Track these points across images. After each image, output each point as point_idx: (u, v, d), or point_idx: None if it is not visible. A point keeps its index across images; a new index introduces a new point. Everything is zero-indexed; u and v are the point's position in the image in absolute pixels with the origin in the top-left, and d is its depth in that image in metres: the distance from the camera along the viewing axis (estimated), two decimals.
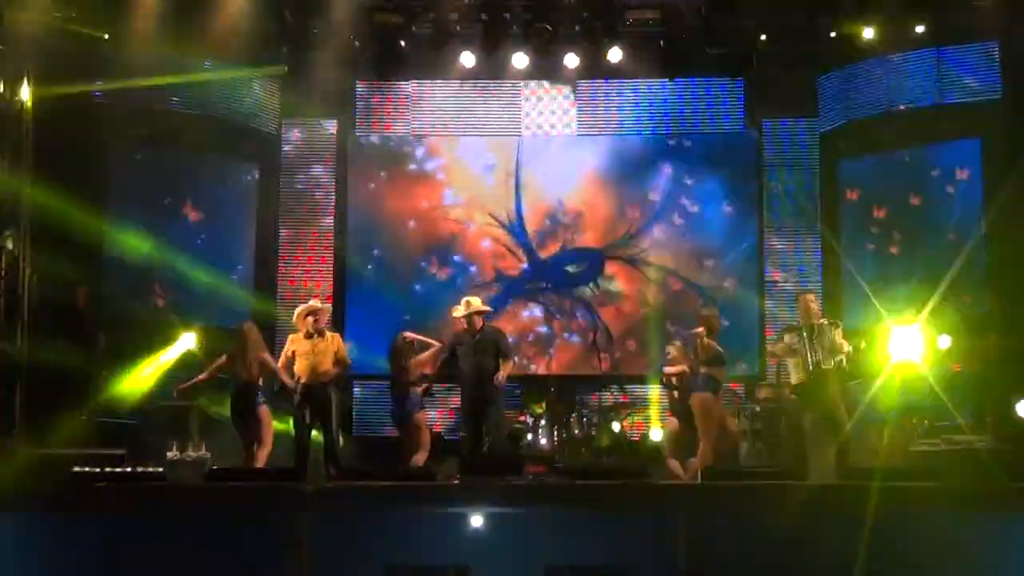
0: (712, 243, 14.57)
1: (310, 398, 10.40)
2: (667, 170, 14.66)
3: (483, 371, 10.56)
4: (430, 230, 14.78)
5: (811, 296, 10.34)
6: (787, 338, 10.16)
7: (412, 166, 14.89)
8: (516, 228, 14.71)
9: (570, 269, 14.57)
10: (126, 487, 9.11)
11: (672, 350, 11.28)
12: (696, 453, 10.43)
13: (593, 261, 14.59)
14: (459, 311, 10.81)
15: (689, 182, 14.63)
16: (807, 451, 10.01)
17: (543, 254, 14.72)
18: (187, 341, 12.55)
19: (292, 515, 8.53)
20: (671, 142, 14.71)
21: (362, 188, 14.85)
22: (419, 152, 14.88)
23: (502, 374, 10.58)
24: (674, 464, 10.77)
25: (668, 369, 11.10)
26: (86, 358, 11.78)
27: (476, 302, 10.87)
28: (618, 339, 14.42)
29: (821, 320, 10.12)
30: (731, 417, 10.92)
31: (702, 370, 10.51)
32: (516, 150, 14.77)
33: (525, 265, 14.69)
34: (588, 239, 14.70)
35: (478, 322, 10.73)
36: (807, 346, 9.97)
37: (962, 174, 13.24)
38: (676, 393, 10.97)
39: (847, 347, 10.04)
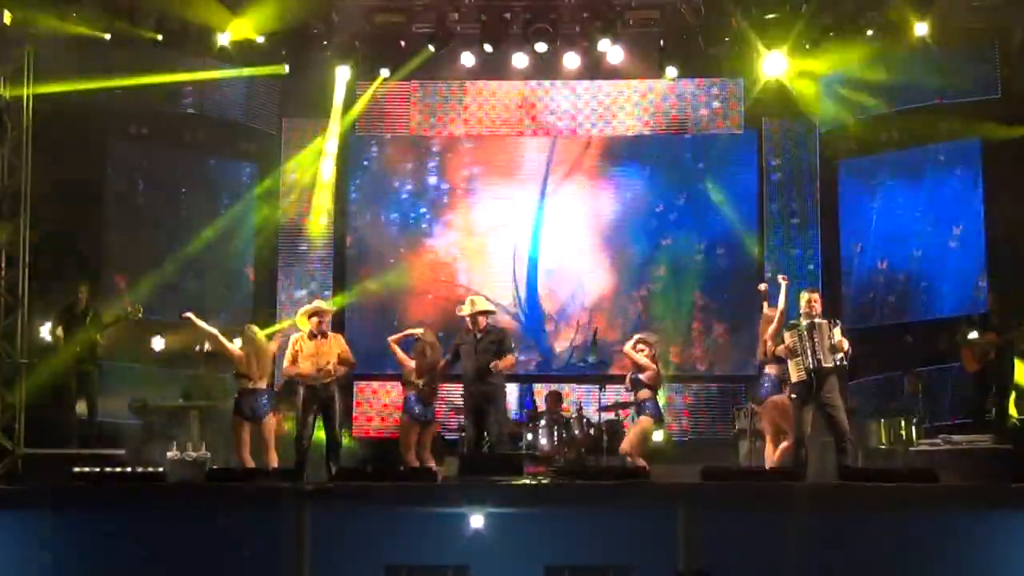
0: (712, 248, 14.54)
1: (314, 398, 10.39)
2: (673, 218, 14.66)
3: (484, 371, 10.57)
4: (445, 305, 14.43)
5: (813, 294, 10.32)
6: (787, 337, 10.14)
7: (428, 242, 14.83)
8: (530, 322, 14.59)
9: (583, 361, 13.75)
10: (126, 487, 9.11)
11: (643, 341, 11.17)
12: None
13: (605, 355, 13.69)
14: (464, 309, 10.79)
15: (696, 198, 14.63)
16: (807, 451, 10.01)
17: (557, 346, 14.57)
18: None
19: (292, 515, 8.53)
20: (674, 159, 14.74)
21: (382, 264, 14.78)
22: (436, 231, 14.80)
23: (500, 365, 10.55)
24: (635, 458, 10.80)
25: (630, 351, 11.05)
26: (86, 358, 11.76)
27: (480, 302, 10.86)
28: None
29: (821, 319, 10.11)
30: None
31: (770, 371, 10.46)
32: (531, 225, 14.69)
33: (536, 354, 14.55)
34: (601, 324, 14.24)
35: (481, 321, 10.72)
36: (807, 344, 9.96)
37: (960, 173, 13.27)
38: (640, 392, 10.91)
39: (847, 345, 10.02)
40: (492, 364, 10.46)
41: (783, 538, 8.41)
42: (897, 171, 13.77)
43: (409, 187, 14.88)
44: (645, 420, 10.91)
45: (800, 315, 10.18)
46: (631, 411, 11.27)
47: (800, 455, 9.94)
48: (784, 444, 10.30)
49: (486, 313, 10.79)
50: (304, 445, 10.32)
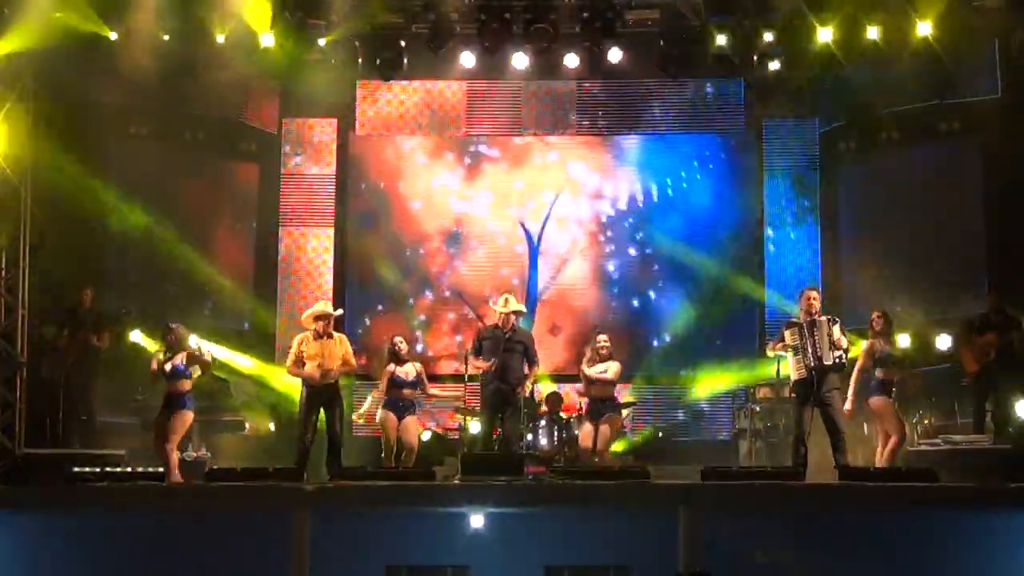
0: (711, 246, 14.54)
1: (316, 399, 10.38)
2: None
3: (508, 370, 10.57)
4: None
5: (813, 292, 10.33)
6: (787, 335, 10.15)
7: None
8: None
9: None
10: (126, 487, 9.11)
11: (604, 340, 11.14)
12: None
13: None
14: (499, 306, 10.79)
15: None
16: (806, 449, 10.02)
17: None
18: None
19: (292, 515, 8.53)
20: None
21: None
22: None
23: (529, 383, 10.71)
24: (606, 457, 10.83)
25: (594, 372, 10.98)
26: (88, 358, 11.76)
27: (514, 302, 10.90)
28: None
29: (821, 316, 10.13)
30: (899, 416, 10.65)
31: (877, 373, 10.40)
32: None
33: None
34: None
35: (511, 320, 10.72)
36: (807, 342, 9.97)
37: (960, 173, 13.27)
38: (607, 390, 10.88)
39: (846, 343, 10.04)
40: (521, 380, 10.57)
41: (783, 538, 8.42)
42: (897, 171, 13.76)
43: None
44: (617, 419, 10.93)
45: (801, 312, 10.21)
46: (599, 410, 10.98)
47: (799, 453, 9.96)
48: (891, 444, 10.25)
49: (518, 313, 10.83)
50: (305, 445, 10.31)
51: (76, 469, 9.24)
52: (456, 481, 9.31)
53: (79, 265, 12.39)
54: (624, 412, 11.80)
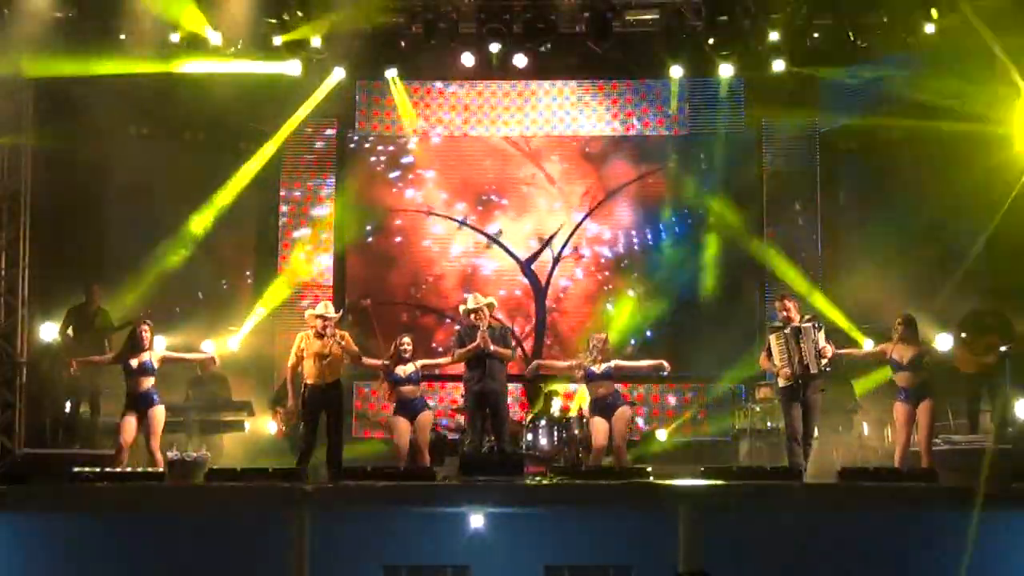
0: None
1: (318, 398, 10.38)
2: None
3: (491, 367, 10.53)
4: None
5: (788, 302, 10.36)
6: (773, 343, 10.19)
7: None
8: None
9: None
10: (126, 487, 9.12)
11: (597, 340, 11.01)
12: None
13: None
14: (470, 304, 10.74)
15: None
16: (798, 450, 10.09)
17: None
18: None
19: (292, 515, 8.54)
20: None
21: None
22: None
23: (493, 346, 10.46)
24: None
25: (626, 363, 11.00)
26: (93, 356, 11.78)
27: (482, 297, 10.85)
28: None
29: (804, 323, 10.18)
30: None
31: (898, 381, 10.37)
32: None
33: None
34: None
35: (486, 316, 10.64)
36: (794, 350, 10.03)
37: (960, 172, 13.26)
38: (610, 384, 10.84)
39: (830, 350, 10.10)
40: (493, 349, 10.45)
41: (783, 538, 8.42)
42: (897, 171, 13.76)
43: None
44: (629, 409, 10.84)
45: (782, 320, 10.28)
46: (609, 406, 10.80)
47: (795, 453, 10.01)
48: (898, 451, 10.24)
49: (491, 307, 10.74)
50: (307, 445, 10.31)
51: (76, 469, 9.25)
52: (456, 481, 9.31)
53: (79, 265, 12.39)
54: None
